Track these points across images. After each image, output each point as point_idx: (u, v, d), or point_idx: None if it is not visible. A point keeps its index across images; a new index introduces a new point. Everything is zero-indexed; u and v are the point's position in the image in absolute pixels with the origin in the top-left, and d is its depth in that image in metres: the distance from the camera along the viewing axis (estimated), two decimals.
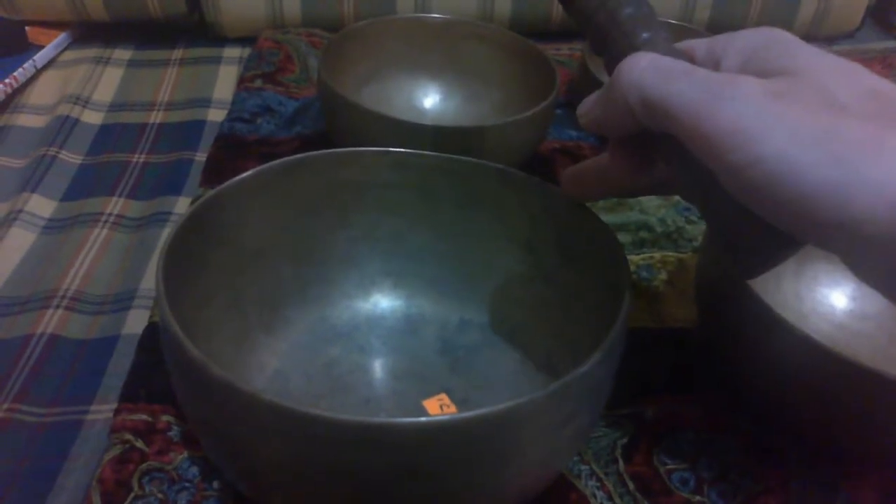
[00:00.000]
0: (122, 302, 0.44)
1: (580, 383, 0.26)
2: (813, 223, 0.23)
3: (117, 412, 0.36)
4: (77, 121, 0.59)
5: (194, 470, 0.33)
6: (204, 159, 0.54)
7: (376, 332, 0.40)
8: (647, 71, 0.27)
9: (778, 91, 0.25)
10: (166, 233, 0.48)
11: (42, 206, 0.50)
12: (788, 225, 0.25)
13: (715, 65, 0.28)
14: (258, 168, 0.36)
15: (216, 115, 0.60)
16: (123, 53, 0.69)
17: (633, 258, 0.47)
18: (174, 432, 0.35)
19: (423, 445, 0.25)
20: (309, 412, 0.24)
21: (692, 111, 0.25)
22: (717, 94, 0.25)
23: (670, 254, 0.47)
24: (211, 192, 0.34)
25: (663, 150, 0.30)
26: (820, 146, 0.23)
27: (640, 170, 0.32)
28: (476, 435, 0.25)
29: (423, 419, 0.24)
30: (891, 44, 0.78)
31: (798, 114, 0.24)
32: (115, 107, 0.62)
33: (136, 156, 0.56)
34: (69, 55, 0.68)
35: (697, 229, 0.49)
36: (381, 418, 0.24)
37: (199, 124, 0.60)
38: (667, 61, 0.27)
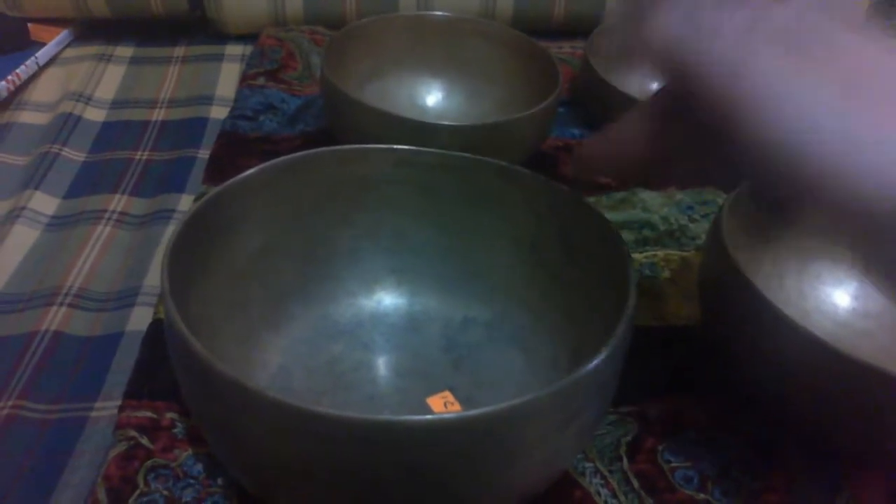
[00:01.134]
0: (126, 299, 0.44)
1: (586, 381, 0.26)
2: (830, 199, 0.23)
3: (122, 409, 0.36)
4: (79, 118, 0.59)
5: (199, 467, 0.33)
6: (206, 156, 0.54)
7: (380, 329, 0.40)
8: (677, 26, 0.26)
9: (800, 65, 0.24)
10: (169, 230, 0.49)
11: (45, 203, 0.50)
12: (807, 198, 0.24)
13: None
14: (262, 165, 0.36)
15: (218, 113, 0.60)
16: (125, 51, 0.69)
17: (637, 256, 0.47)
18: (178, 429, 0.35)
19: (429, 443, 0.25)
20: (315, 410, 0.24)
21: (714, 79, 0.25)
22: (740, 63, 0.24)
23: (673, 252, 0.47)
24: (215, 190, 0.34)
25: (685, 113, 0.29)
26: (839, 122, 0.23)
27: (654, 138, 0.31)
28: (482, 432, 0.25)
29: (429, 417, 0.24)
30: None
31: (819, 89, 0.23)
32: (117, 104, 0.62)
33: (139, 153, 0.56)
34: (71, 52, 0.68)
35: (700, 227, 0.49)
36: (387, 416, 0.24)
37: (202, 121, 0.60)
38: (698, 17, 0.26)
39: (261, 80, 0.62)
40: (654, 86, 0.64)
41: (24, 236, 0.48)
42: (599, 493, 0.34)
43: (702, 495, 0.34)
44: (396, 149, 0.40)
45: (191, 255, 0.33)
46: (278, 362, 0.37)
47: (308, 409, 0.24)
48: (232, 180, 0.35)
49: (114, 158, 0.55)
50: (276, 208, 0.38)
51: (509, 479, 0.28)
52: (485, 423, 0.25)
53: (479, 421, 0.24)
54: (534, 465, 0.28)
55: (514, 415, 0.25)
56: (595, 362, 0.26)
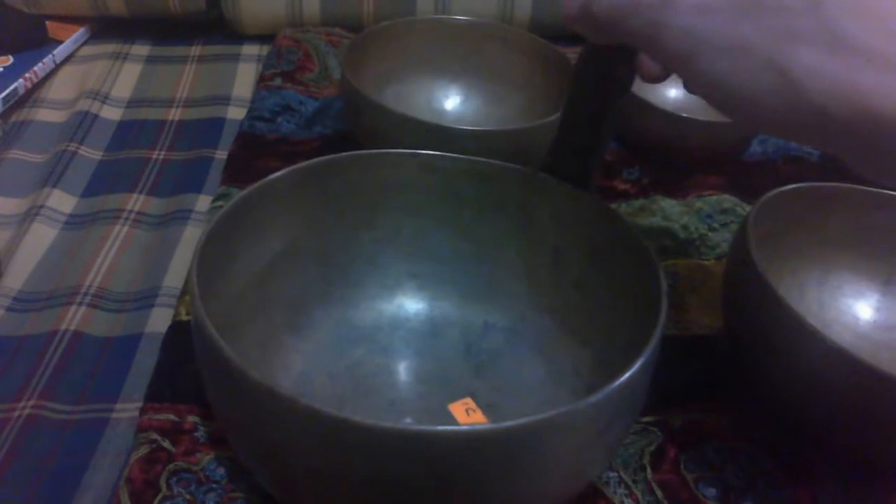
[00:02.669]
0: (145, 300, 0.44)
1: (620, 393, 0.26)
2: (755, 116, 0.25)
3: (143, 411, 0.36)
4: (96, 116, 0.59)
5: (221, 471, 0.33)
6: (224, 157, 0.54)
7: (400, 333, 0.40)
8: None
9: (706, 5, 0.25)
10: (187, 231, 0.48)
11: (63, 201, 0.50)
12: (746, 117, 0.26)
13: None
14: (289, 168, 0.36)
15: (235, 113, 0.60)
16: (141, 49, 0.69)
17: None
18: (200, 433, 0.35)
19: (461, 453, 0.25)
20: (349, 418, 0.24)
21: (644, 36, 0.27)
22: (660, 14, 0.26)
23: (694, 261, 0.47)
24: (243, 192, 0.34)
25: None
26: (743, 56, 0.24)
27: None
28: (516, 444, 0.25)
29: (464, 427, 0.24)
30: None
31: (721, 26, 0.25)
32: (133, 103, 0.62)
33: (156, 152, 0.56)
34: (87, 50, 0.68)
35: (719, 237, 0.49)
36: (423, 426, 0.24)
37: (219, 122, 0.59)
38: None
39: (278, 81, 0.61)
40: (672, 93, 0.64)
41: (42, 235, 0.47)
42: (624, 503, 0.33)
43: None
44: (420, 154, 0.39)
45: (218, 259, 0.32)
46: (300, 366, 0.37)
47: (341, 418, 0.24)
48: (260, 182, 0.35)
49: (130, 157, 0.55)
50: (300, 212, 0.38)
51: (538, 490, 0.28)
52: (521, 435, 0.24)
53: (515, 432, 0.24)
54: (563, 476, 0.28)
55: (551, 426, 0.25)
56: (630, 374, 0.26)
